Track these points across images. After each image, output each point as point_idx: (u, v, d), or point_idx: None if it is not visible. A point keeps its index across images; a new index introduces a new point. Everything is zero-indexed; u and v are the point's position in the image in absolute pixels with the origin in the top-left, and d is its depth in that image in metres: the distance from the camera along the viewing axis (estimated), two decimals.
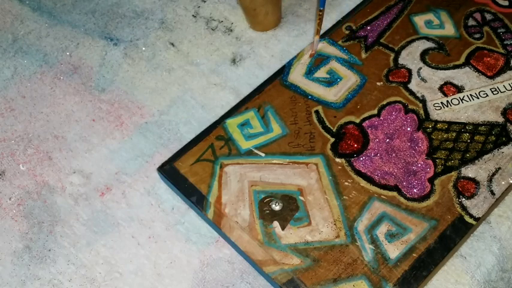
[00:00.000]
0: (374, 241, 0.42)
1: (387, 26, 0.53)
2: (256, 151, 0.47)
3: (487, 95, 0.48)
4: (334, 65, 0.51)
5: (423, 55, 0.51)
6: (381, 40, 0.52)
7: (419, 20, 0.53)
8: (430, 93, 0.49)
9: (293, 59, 0.52)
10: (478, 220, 0.42)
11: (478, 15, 0.53)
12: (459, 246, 0.42)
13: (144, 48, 0.56)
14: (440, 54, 0.51)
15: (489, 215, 0.44)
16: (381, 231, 0.42)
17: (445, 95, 0.49)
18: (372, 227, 0.42)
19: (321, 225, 0.43)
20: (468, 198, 0.43)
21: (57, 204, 0.47)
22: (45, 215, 0.46)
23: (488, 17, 0.53)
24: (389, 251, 0.41)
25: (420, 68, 0.50)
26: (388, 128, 0.47)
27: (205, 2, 0.59)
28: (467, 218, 0.42)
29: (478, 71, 0.50)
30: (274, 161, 0.46)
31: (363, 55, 0.51)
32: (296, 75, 0.51)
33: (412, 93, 0.49)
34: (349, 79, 0.50)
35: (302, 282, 0.40)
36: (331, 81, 0.50)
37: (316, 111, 0.48)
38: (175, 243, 0.45)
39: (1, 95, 0.54)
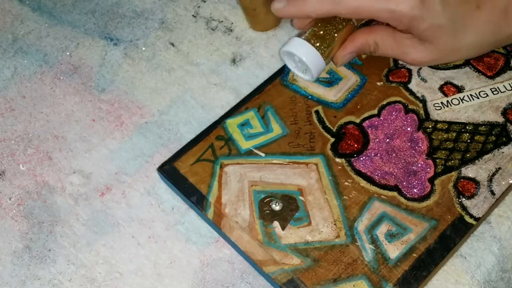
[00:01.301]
0: (374, 241, 0.42)
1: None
2: (256, 151, 0.47)
3: (487, 95, 0.48)
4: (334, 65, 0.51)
5: None
6: None
7: None
8: (430, 93, 0.49)
9: None
10: (478, 220, 0.42)
11: None
12: (459, 246, 0.42)
13: (144, 48, 0.56)
14: None
15: (489, 215, 0.44)
16: (381, 231, 0.42)
17: (445, 95, 0.49)
18: (372, 227, 0.42)
19: (321, 225, 0.43)
20: (468, 198, 0.43)
21: (57, 204, 0.47)
22: (45, 215, 0.46)
23: None
24: (390, 251, 0.41)
25: (420, 68, 0.50)
26: (388, 128, 0.47)
27: (205, 2, 0.59)
28: (467, 218, 0.42)
29: (478, 71, 0.50)
30: (274, 161, 0.46)
31: (363, 55, 0.51)
32: (296, 75, 0.51)
33: (412, 93, 0.49)
34: (349, 79, 0.50)
35: (302, 282, 0.40)
36: (331, 81, 0.50)
37: (316, 111, 0.48)
38: (175, 243, 0.45)
39: (1, 95, 0.54)
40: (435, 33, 0.45)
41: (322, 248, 0.42)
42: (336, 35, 0.48)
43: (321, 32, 0.47)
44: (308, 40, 0.47)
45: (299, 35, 0.48)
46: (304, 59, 0.47)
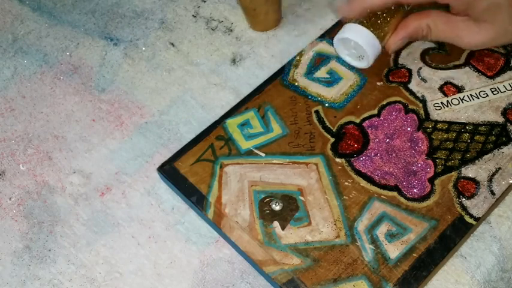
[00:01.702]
0: (374, 241, 0.42)
1: None
2: (256, 151, 0.47)
3: (487, 95, 0.48)
4: (334, 65, 0.51)
5: (423, 55, 0.51)
6: None
7: None
8: (430, 93, 0.49)
9: (293, 59, 0.52)
10: (478, 220, 0.42)
11: None
12: (459, 246, 0.42)
13: (144, 48, 0.56)
14: (440, 54, 0.51)
15: (489, 215, 0.44)
16: (381, 231, 0.42)
17: (445, 95, 0.49)
18: (372, 227, 0.42)
19: (321, 225, 0.43)
20: (468, 198, 0.43)
21: (57, 204, 0.47)
22: (45, 215, 0.46)
23: None
24: (390, 251, 0.41)
25: (420, 68, 0.50)
26: (388, 128, 0.47)
27: (205, 2, 0.59)
28: (467, 218, 0.42)
29: (478, 71, 0.50)
30: (274, 161, 0.46)
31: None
32: (296, 75, 0.51)
33: (412, 93, 0.49)
34: (349, 79, 0.50)
35: (302, 282, 0.40)
36: (331, 81, 0.50)
37: (316, 111, 0.48)
38: (175, 243, 0.45)
39: (1, 95, 0.54)
40: (493, 13, 0.46)
41: (322, 248, 0.42)
42: (389, 20, 0.48)
43: (374, 18, 0.47)
44: (363, 25, 0.47)
45: (353, 22, 0.48)
46: (360, 42, 0.47)
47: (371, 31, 0.47)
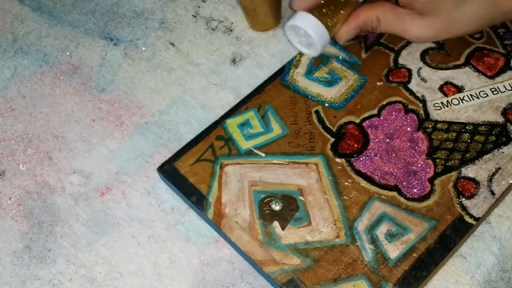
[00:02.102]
0: (374, 241, 0.42)
1: None
2: (256, 151, 0.47)
3: (487, 95, 0.48)
4: (334, 65, 0.51)
5: (423, 55, 0.51)
6: (381, 40, 0.52)
7: None
8: (430, 93, 0.49)
9: (293, 59, 0.52)
10: (478, 220, 0.42)
11: None
12: (459, 246, 0.42)
13: (144, 48, 0.56)
14: (440, 54, 0.51)
15: (489, 215, 0.44)
16: (381, 231, 0.42)
17: (445, 95, 0.49)
18: (372, 227, 0.42)
19: (321, 225, 0.43)
20: (468, 198, 0.43)
21: (57, 204, 0.47)
22: (45, 215, 0.46)
23: None
24: (389, 251, 0.41)
25: (420, 68, 0.50)
26: (388, 128, 0.47)
27: (205, 2, 0.59)
28: (467, 218, 0.42)
29: (478, 71, 0.50)
30: (274, 161, 0.46)
31: (363, 55, 0.51)
32: (296, 75, 0.51)
33: (412, 93, 0.49)
34: (349, 79, 0.50)
35: (302, 282, 0.40)
36: (331, 81, 0.50)
37: (316, 111, 0.48)
38: (175, 243, 0.45)
39: (1, 95, 0.54)
40: (436, 6, 0.46)
41: (322, 248, 0.42)
42: (339, 11, 0.49)
43: (325, 8, 0.48)
44: (313, 14, 0.48)
45: (304, 10, 0.49)
46: (310, 31, 0.48)
47: (320, 20, 0.48)
